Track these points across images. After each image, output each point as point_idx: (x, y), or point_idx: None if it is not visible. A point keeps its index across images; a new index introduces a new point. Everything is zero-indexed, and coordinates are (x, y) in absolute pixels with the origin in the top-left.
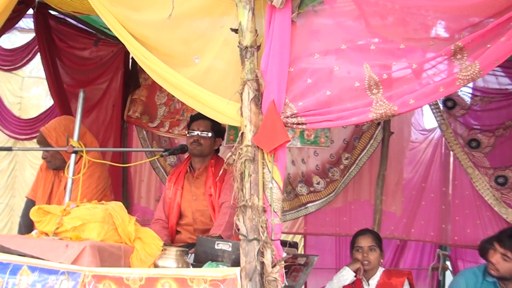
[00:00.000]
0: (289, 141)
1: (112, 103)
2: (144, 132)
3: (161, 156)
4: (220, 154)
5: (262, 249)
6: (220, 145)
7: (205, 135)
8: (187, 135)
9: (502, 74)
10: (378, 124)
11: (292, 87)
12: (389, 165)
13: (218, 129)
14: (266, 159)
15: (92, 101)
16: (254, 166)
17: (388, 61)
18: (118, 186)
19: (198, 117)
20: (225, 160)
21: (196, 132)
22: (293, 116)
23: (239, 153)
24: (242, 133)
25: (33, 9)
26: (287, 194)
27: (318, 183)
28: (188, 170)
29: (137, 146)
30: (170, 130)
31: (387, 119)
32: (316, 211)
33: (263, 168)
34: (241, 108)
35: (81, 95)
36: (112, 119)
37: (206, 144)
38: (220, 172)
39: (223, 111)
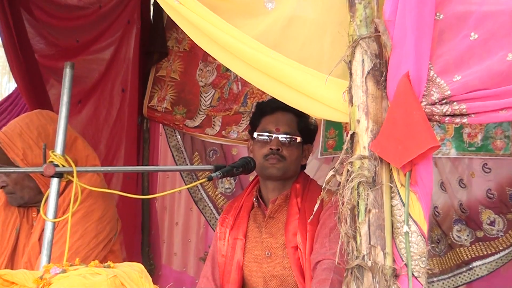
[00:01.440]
0: (438, 147)
1: (122, 86)
2: (179, 137)
3: (209, 179)
4: (308, 172)
5: None
6: (309, 155)
7: (289, 140)
8: (255, 139)
9: None
10: None
11: (441, 49)
12: None
13: (306, 128)
14: (396, 181)
15: (86, 83)
16: (376, 195)
17: None
18: (135, 234)
19: (273, 106)
20: (323, 184)
21: (273, 135)
22: (445, 101)
23: (348, 170)
24: (353, 135)
25: None
26: (434, 245)
27: (491, 223)
28: (255, 203)
29: (165, 161)
30: (223, 132)
31: None
32: (490, 275)
33: (392, 197)
34: (349, 89)
35: (66, 72)
36: (122, 115)
37: (292, 156)
38: (315, 207)
39: (317, 94)
